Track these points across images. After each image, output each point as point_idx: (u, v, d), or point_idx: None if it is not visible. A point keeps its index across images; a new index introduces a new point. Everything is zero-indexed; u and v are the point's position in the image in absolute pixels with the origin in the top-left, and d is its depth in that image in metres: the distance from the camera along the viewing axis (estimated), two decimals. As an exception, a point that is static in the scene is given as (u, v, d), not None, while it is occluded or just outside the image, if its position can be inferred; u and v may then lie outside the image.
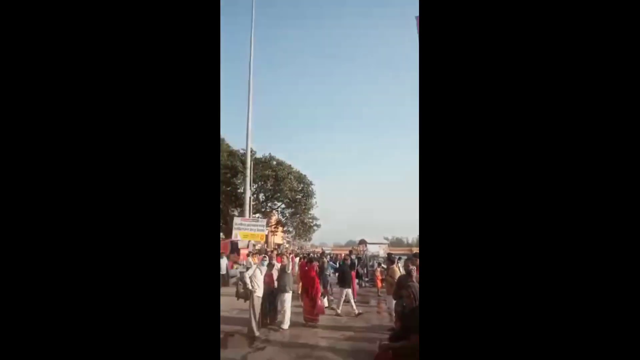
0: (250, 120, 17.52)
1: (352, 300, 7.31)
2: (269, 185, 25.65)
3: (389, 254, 9.67)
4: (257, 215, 19.84)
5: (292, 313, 5.96)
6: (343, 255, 13.17)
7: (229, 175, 24.21)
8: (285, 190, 24.52)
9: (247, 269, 6.24)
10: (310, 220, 27.89)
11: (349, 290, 7.41)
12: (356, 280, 9.69)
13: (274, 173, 24.49)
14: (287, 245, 31.84)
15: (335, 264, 11.74)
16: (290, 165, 25.78)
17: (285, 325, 5.63)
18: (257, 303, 5.33)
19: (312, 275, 6.45)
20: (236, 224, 14.29)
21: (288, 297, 5.79)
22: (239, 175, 23.77)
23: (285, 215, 28.12)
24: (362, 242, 18.70)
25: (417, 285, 3.48)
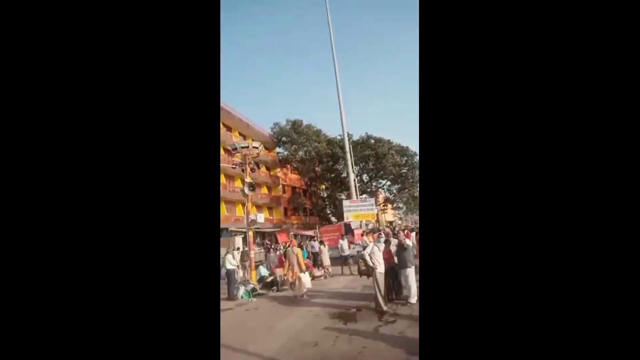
0: (342, 103, 17.76)
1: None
2: (370, 165, 25.54)
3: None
4: (364, 196, 20.07)
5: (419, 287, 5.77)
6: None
7: (330, 162, 25.27)
8: (388, 166, 23.94)
9: (364, 247, 6.36)
10: (422, 192, 26.43)
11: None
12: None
13: (373, 152, 24.17)
14: (399, 222, 31.17)
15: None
16: (389, 140, 24.92)
17: (413, 299, 5.50)
18: (381, 279, 5.36)
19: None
20: (346, 207, 14.83)
21: (411, 271, 5.62)
22: (340, 161, 24.52)
23: (393, 192, 27.55)
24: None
25: None
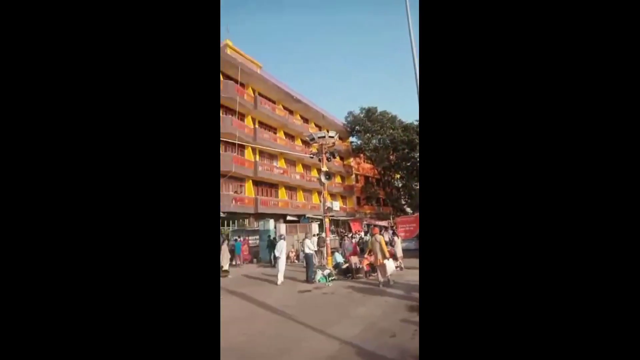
0: (418, 85, 16.75)
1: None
2: (451, 153, 23.51)
3: None
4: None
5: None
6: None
7: (406, 150, 24.27)
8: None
9: None
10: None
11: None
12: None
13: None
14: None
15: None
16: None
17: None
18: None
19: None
20: (423, 198, 14.20)
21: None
22: (417, 148, 23.38)
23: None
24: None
25: None
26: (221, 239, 10.26)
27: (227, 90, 15.63)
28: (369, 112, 24.44)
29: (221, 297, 6.26)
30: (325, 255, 10.03)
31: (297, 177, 20.23)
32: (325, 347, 3.72)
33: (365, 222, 22.83)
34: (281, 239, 9.20)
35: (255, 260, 12.68)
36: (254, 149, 17.62)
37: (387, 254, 7.53)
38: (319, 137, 10.98)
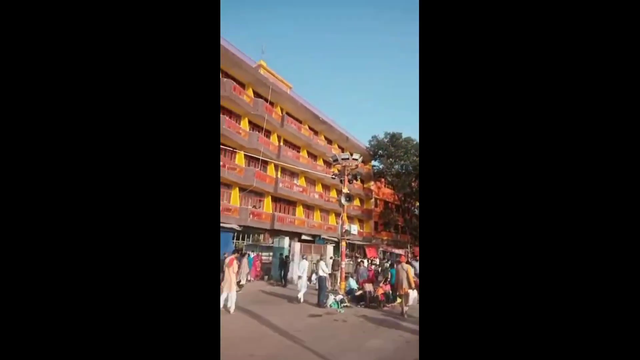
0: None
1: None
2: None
3: None
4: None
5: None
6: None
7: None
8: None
9: None
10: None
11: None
12: None
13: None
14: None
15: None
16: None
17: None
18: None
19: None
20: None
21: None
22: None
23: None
24: None
25: None
26: (239, 253, 10.27)
27: (256, 108, 16.22)
28: (394, 138, 24.43)
29: (233, 312, 6.34)
30: (338, 279, 9.80)
31: (316, 196, 20.25)
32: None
33: (381, 249, 22.28)
34: (303, 258, 9.21)
35: (266, 277, 12.56)
36: (276, 166, 17.94)
37: (413, 284, 7.49)
38: (342, 159, 11.05)
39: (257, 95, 17.16)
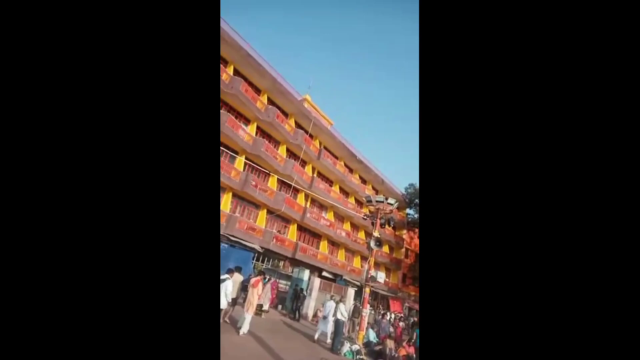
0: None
1: None
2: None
3: None
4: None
5: None
6: None
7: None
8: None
9: None
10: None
11: None
12: None
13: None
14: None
15: None
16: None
17: None
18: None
19: None
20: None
21: None
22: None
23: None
24: None
25: None
26: (264, 276, 9.59)
27: (296, 138, 16.51)
28: (431, 188, 23.37)
29: (244, 335, 5.78)
30: (357, 328, 8.68)
31: (343, 233, 19.37)
32: None
33: (407, 304, 20.22)
34: (331, 299, 8.54)
35: (280, 306, 11.61)
36: (306, 196, 17.66)
37: None
38: (377, 201, 10.39)
39: (298, 126, 17.58)
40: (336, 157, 20.01)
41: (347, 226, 20.53)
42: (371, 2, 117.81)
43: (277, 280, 12.75)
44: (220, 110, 13.20)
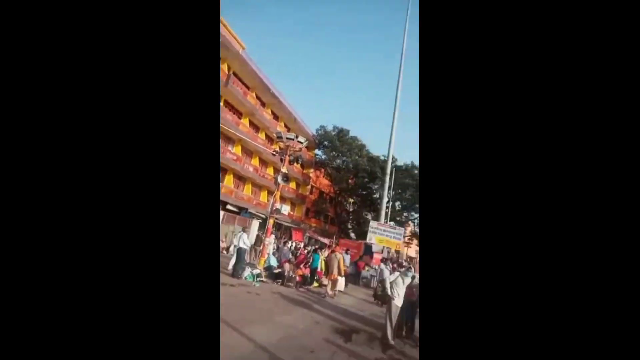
0: (395, 124, 17.31)
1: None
2: (407, 194, 24.69)
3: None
4: (391, 223, 19.27)
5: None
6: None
7: (366, 179, 24.79)
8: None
9: (379, 273, 5.86)
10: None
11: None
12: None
13: (414, 182, 23.33)
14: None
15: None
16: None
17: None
18: (395, 311, 4.83)
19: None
20: (372, 228, 14.22)
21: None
22: (376, 181, 23.94)
23: (422, 228, 26.48)
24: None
25: None
26: None
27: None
28: (341, 133, 24.64)
29: None
30: (258, 255, 9.26)
31: (250, 169, 19.18)
32: (238, 346, 3.30)
33: (307, 234, 22.38)
34: (243, 232, 8.60)
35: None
36: (214, 128, 16.38)
37: (342, 272, 8.18)
38: (287, 138, 10.38)
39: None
40: (247, 87, 18.56)
41: (255, 161, 20.32)
42: None
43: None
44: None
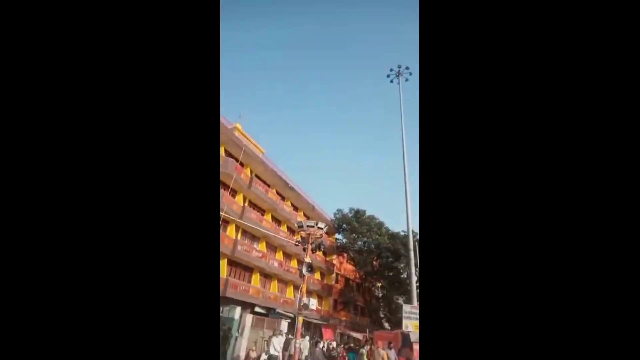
0: (409, 200, 17.62)
1: None
2: (436, 270, 23.09)
3: None
4: (427, 304, 17.57)
5: None
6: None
7: (390, 259, 23.81)
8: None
9: None
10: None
11: None
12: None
13: (440, 255, 22.13)
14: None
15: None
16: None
17: None
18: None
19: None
20: (406, 313, 13.06)
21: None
22: (401, 259, 22.97)
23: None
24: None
25: None
26: None
27: (226, 167, 16.11)
28: (357, 214, 24.93)
29: None
30: (291, 361, 8.54)
31: (276, 264, 19.02)
32: None
33: (339, 331, 20.46)
34: (278, 335, 8.43)
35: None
36: (237, 227, 17.05)
37: None
38: (307, 226, 10.75)
39: (228, 154, 17.24)
40: (268, 185, 20.02)
41: (279, 256, 20.30)
42: (302, 32, 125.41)
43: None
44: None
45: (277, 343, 7.70)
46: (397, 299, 23.98)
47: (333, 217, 25.34)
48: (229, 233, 16.47)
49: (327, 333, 18.92)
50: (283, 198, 21.68)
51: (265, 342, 9.67)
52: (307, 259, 10.00)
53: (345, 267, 26.76)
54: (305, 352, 10.33)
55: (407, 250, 17.11)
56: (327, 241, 23.83)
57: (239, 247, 16.10)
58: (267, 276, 19.05)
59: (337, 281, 25.85)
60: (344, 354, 10.13)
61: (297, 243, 11.65)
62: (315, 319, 19.81)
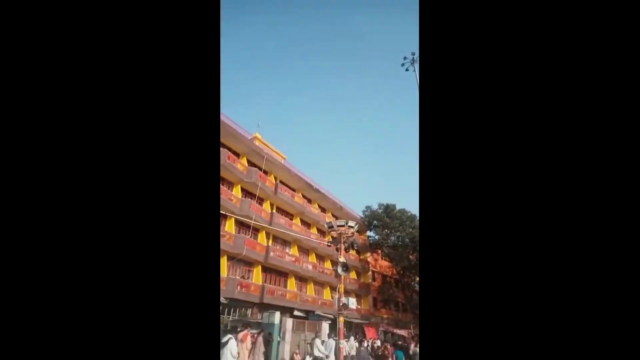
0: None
1: None
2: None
3: None
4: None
5: None
6: None
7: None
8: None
9: None
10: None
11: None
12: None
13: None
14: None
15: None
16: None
17: None
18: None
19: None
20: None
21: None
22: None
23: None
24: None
25: None
26: (249, 327, 8.42)
27: (250, 176, 16.38)
28: (388, 209, 24.37)
29: None
30: (336, 363, 8.37)
31: (310, 267, 19.00)
32: None
33: (381, 329, 20.01)
34: (331, 337, 8.31)
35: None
36: (267, 234, 17.23)
37: None
38: (338, 226, 10.58)
39: (251, 164, 17.53)
40: (293, 190, 20.12)
41: (312, 258, 20.26)
42: (316, 36, 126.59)
43: (247, 331, 11.86)
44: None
45: (320, 344, 7.58)
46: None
47: (362, 215, 24.96)
48: (260, 240, 16.68)
49: (370, 332, 18.54)
50: (309, 201, 21.68)
51: (309, 345, 9.58)
52: (342, 259, 9.82)
53: (380, 264, 26.23)
54: (353, 352, 10.12)
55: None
56: (359, 239, 23.45)
57: (271, 254, 16.24)
58: (302, 279, 19.05)
59: (374, 279, 25.34)
60: (392, 351, 9.80)
61: (328, 244, 11.53)
62: (356, 319, 19.51)
